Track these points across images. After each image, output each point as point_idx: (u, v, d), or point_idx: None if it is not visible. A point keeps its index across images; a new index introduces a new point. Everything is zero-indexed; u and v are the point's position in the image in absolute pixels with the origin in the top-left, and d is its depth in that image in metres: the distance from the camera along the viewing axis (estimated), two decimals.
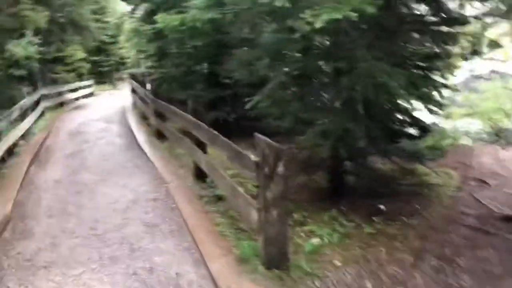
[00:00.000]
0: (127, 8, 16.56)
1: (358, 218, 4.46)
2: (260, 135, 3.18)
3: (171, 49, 9.57)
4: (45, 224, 4.87)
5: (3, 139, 7.52)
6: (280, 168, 3.10)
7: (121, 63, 30.83)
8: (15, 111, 8.73)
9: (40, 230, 4.70)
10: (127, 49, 32.73)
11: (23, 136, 9.11)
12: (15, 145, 8.34)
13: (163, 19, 6.14)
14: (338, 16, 3.36)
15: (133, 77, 13.88)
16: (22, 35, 11.27)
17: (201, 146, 5.50)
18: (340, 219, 4.41)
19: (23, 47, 10.89)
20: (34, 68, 12.38)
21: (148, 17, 11.51)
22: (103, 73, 28.07)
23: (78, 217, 4.99)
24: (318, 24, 3.40)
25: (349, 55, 4.32)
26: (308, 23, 3.53)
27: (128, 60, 33.74)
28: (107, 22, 27.09)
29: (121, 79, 29.43)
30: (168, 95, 8.58)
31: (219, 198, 5.11)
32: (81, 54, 21.93)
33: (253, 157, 3.30)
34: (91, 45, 27.23)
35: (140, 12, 14.29)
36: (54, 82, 18.05)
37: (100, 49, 28.65)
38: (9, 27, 11.44)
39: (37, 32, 12.45)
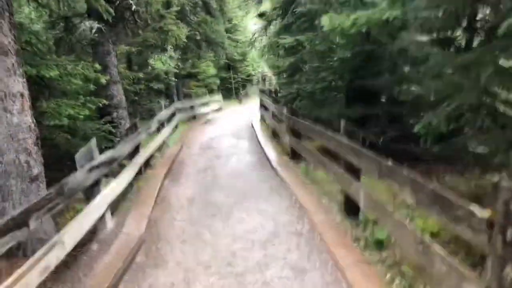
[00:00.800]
0: (257, 26, 16.83)
1: None
2: (505, 179, 2.03)
3: (310, 63, 8.83)
4: (179, 251, 4.35)
5: (142, 151, 7.52)
6: None
7: (247, 80, 31.70)
8: (154, 124, 8.80)
9: (174, 258, 4.17)
10: (255, 66, 33.78)
11: (158, 148, 9.18)
12: (151, 156, 8.37)
13: (331, 19, 5.18)
14: None
15: (263, 92, 13.54)
16: (163, 50, 11.70)
17: (355, 173, 4.48)
18: None
19: (163, 62, 11.23)
20: (171, 83, 12.76)
21: (283, 31, 11.05)
22: (230, 89, 29.00)
23: (214, 247, 4.36)
24: None
25: None
26: None
27: (254, 77, 34.78)
28: (237, 40, 27.97)
29: (246, 95, 30.13)
30: (303, 113, 7.79)
31: (380, 243, 4.02)
32: (212, 71, 22.78)
33: (480, 210, 2.17)
34: (221, 63, 28.60)
35: (273, 27, 14.11)
36: (187, 96, 18.88)
37: (229, 66, 29.79)
38: (154, 42, 11.98)
39: (175, 48, 12.85)
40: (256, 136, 11.03)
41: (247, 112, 20.31)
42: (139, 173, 7.03)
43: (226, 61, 29.07)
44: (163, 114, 10.21)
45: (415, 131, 4.72)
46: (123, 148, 6.01)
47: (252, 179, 7.02)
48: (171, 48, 11.51)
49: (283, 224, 4.88)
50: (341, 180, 4.87)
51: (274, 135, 10.44)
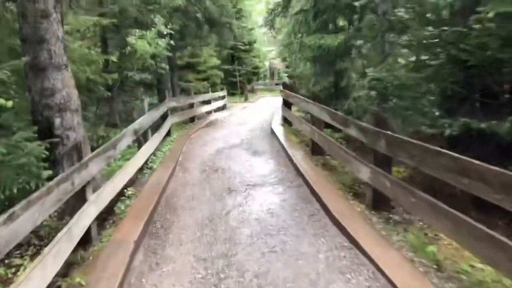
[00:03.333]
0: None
1: None
2: None
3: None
4: None
5: (102, 187, 4.05)
6: None
7: (253, 73, 28.04)
8: (126, 138, 5.25)
9: None
10: (261, 58, 30.10)
11: (136, 174, 5.68)
12: (120, 194, 4.88)
13: None
14: None
15: (289, 88, 9.98)
16: (149, 26, 8.13)
17: None
18: None
19: (149, 42, 7.68)
20: (162, 72, 9.17)
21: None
22: (234, 83, 25.37)
23: None
24: None
25: None
26: None
27: (261, 70, 31.11)
28: (243, 27, 24.25)
29: (252, 90, 26.50)
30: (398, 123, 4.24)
31: None
32: (215, 61, 19.16)
33: None
34: (224, 53, 24.93)
35: (296, 8, 10.57)
36: (185, 92, 15.28)
37: (233, 57, 26.14)
38: (137, 16, 8.42)
39: (168, 27, 9.27)
40: (285, 152, 7.48)
41: (258, 111, 16.72)
42: (86, 240, 3.51)
43: (230, 51, 25.47)
44: (146, 119, 6.63)
45: None
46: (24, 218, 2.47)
47: (306, 261, 3.48)
48: (161, 23, 7.94)
49: None
50: None
51: (315, 151, 6.89)
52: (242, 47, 25.93)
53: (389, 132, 3.72)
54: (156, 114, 7.65)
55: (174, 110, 10.92)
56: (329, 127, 7.04)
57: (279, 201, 5.07)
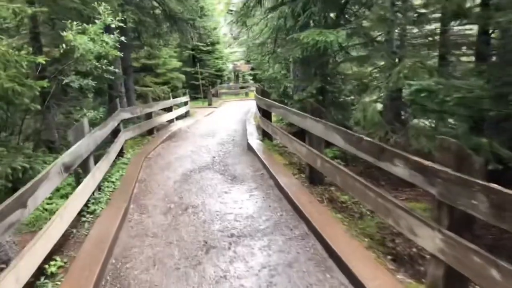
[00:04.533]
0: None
1: None
2: None
3: None
4: None
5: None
6: None
7: (217, 76, 26.25)
8: (48, 181, 3.41)
9: None
10: (224, 60, 28.30)
11: (71, 226, 3.86)
12: (40, 271, 3.10)
13: None
14: None
15: (267, 95, 8.37)
16: (89, 19, 6.29)
17: None
18: None
19: (93, 38, 5.83)
20: (111, 78, 7.32)
21: None
22: (196, 87, 23.50)
23: None
24: None
25: None
26: None
27: (225, 73, 29.32)
28: (206, 26, 22.42)
29: (216, 94, 24.72)
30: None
31: None
32: (176, 63, 17.26)
33: None
34: (185, 54, 22.99)
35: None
36: (142, 97, 13.34)
37: (195, 58, 24.26)
38: (76, 6, 6.57)
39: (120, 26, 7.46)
40: (273, 178, 5.87)
41: (226, 118, 15.00)
42: None
43: (192, 52, 23.60)
44: (85, 144, 4.77)
45: None
46: None
47: None
48: (107, 15, 6.09)
49: None
50: None
51: (314, 179, 5.32)
52: (204, 48, 24.15)
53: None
54: (102, 132, 5.80)
55: (128, 122, 9.05)
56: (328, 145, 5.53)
57: (282, 267, 3.46)
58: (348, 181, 4.07)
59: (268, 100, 7.96)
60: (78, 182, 4.83)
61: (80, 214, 4.39)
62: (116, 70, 7.19)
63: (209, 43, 24.31)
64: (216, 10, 29.62)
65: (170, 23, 11.14)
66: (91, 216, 4.57)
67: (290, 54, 7.00)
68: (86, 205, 4.60)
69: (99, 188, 5.26)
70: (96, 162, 5.24)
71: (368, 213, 4.28)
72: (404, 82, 4.00)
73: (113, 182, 5.83)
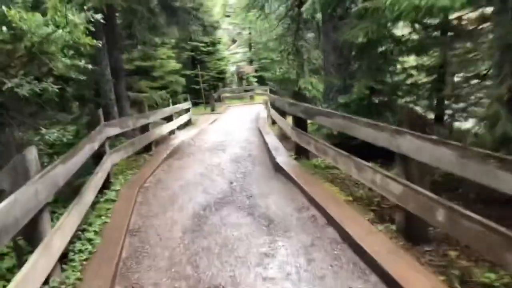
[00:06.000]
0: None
1: None
2: None
3: None
4: None
5: None
6: None
7: (218, 78, 24.16)
8: None
9: None
10: (226, 61, 26.24)
11: None
12: None
13: None
14: None
15: (298, 97, 6.32)
16: None
17: None
18: None
19: (55, 14, 3.78)
20: (82, 79, 5.25)
21: None
22: (197, 91, 21.43)
23: None
24: None
25: None
26: None
27: (228, 75, 27.23)
28: (204, 26, 20.36)
29: (219, 99, 22.64)
30: None
31: None
32: (174, 65, 15.20)
33: None
34: (184, 56, 20.98)
35: None
36: (136, 106, 11.26)
37: (195, 60, 22.21)
38: None
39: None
40: (336, 226, 3.77)
41: (234, 126, 12.89)
42: None
43: (191, 53, 21.57)
44: (25, 196, 2.73)
45: None
46: None
47: None
48: None
49: None
50: None
51: (411, 231, 3.27)
52: (205, 49, 22.12)
53: None
54: (70, 165, 3.73)
55: (115, 139, 7.01)
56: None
57: None
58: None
59: (309, 105, 5.86)
60: (20, 261, 2.78)
61: None
62: (97, 68, 5.11)
63: (209, 43, 22.30)
64: (214, 9, 27.71)
65: (167, 14, 9.11)
66: None
67: (348, 37, 4.97)
68: None
69: (62, 259, 3.19)
70: (58, 218, 3.18)
71: None
72: None
73: (89, 240, 3.75)
